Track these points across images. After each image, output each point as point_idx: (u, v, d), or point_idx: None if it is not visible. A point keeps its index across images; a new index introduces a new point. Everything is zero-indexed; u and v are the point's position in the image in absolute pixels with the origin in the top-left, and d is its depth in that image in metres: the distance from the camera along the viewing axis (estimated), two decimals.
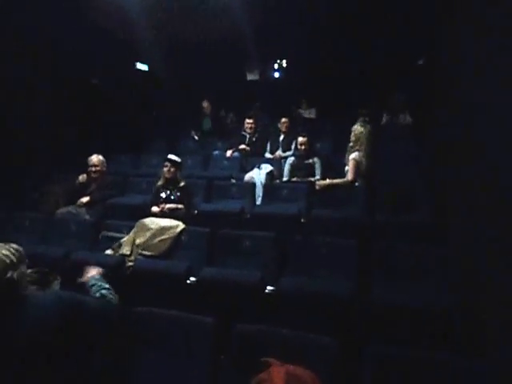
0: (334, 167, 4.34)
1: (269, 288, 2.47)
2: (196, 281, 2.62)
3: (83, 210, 4.08)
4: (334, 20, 6.80)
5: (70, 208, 4.08)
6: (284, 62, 8.78)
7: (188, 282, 2.66)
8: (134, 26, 7.16)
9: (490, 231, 2.03)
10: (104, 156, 4.68)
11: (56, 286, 2.53)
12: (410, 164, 4.38)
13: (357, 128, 3.90)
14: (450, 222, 2.89)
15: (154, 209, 3.68)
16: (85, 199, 4.13)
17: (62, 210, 3.99)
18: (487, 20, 2.38)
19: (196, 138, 6.56)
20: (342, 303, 2.21)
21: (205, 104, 6.84)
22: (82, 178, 4.34)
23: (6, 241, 1.54)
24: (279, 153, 5.47)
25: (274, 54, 8.68)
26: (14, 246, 1.57)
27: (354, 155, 3.80)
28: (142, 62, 8.39)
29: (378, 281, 2.41)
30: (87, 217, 4.02)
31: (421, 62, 5.90)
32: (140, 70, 8.32)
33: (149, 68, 8.47)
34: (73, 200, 4.20)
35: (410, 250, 2.50)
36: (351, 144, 3.88)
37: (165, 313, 1.95)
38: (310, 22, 6.80)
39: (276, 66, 8.94)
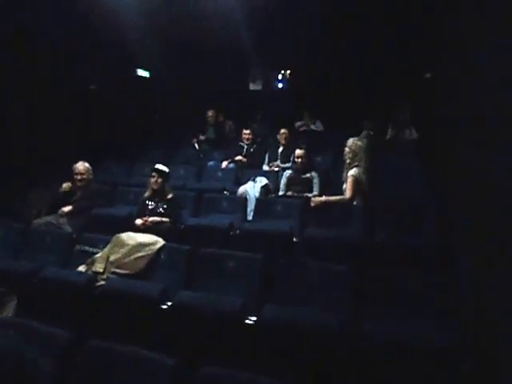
0: (334, 183, 4.08)
1: (250, 318, 2.19)
2: (170, 306, 2.36)
3: (64, 219, 3.86)
4: (340, 31, 6.63)
5: (51, 218, 3.86)
6: (288, 72, 8.59)
7: (162, 306, 2.39)
8: (136, 32, 7.05)
9: (502, 258, 1.75)
10: (95, 163, 4.48)
11: (11, 307, 2.31)
12: (415, 182, 4.11)
13: (353, 143, 3.64)
14: (457, 247, 2.61)
15: (138, 221, 3.45)
16: (67, 208, 3.91)
17: (40, 220, 3.77)
18: (500, 32, 2.14)
19: (196, 146, 6.36)
20: (329, 340, 1.94)
21: (210, 113, 6.73)
22: (67, 185, 4.12)
23: None
24: (277, 163, 5.23)
25: (278, 64, 8.51)
26: None
27: (352, 171, 3.53)
28: (144, 69, 8.26)
29: (371, 314, 2.13)
30: (68, 227, 3.78)
31: (428, 76, 5.67)
32: (141, 76, 8.18)
33: (150, 75, 8.34)
34: (55, 209, 3.98)
35: (409, 280, 2.21)
36: (348, 161, 3.61)
37: (123, 350, 1.68)
38: (315, 33, 6.63)
39: (280, 77, 8.75)
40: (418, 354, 1.82)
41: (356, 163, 3.55)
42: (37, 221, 3.77)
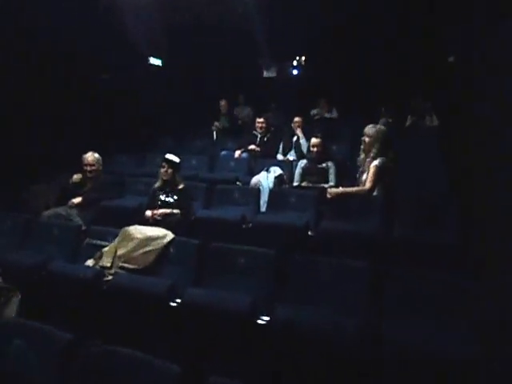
0: (351, 173, 3.89)
1: (262, 318, 2.07)
2: (179, 303, 2.25)
3: (74, 211, 3.79)
4: (357, 14, 6.34)
5: (60, 209, 3.80)
6: (303, 58, 8.32)
7: (171, 304, 2.29)
8: (149, 20, 6.90)
9: None
10: (106, 154, 4.39)
11: (15, 303, 2.24)
12: (435, 172, 3.88)
13: (377, 129, 3.36)
14: (480, 246, 2.42)
15: (148, 213, 3.35)
16: (76, 200, 3.84)
17: (50, 212, 3.70)
18: None
19: (214, 134, 6.23)
20: (345, 344, 1.80)
21: (222, 102, 6.68)
22: (77, 177, 4.05)
23: None
24: (289, 157, 5.02)
25: (293, 51, 8.24)
26: None
27: (377, 162, 3.27)
28: (156, 57, 8.11)
29: (390, 316, 1.97)
30: (78, 219, 3.72)
31: (451, 59, 5.35)
32: (153, 64, 8.04)
33: (163, 63, 8.19)
34: (65, 200, 3.92)
35: (432, 281, 2.03)
36: (374, 150, 3.31)
37: (127, 354, 1.58)
38: (331, 17, 6.37)
39: (295, 63, 8.49)
40: (441, 364, 1.66)
41: (380, 152, 3.29)
42: (46, 212, 3.71)
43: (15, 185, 4.38)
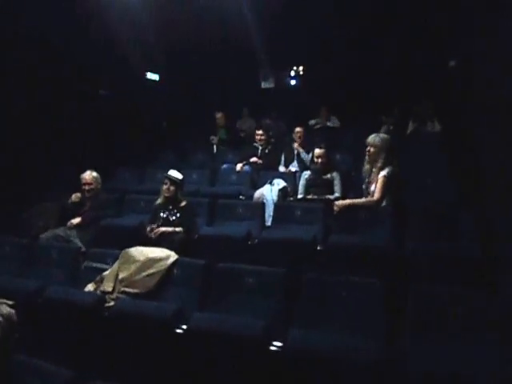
0: (356, 184, 3.79)
1: (274, 344, 1.94)
2: (185, 330, 2.13)
3: (74, 232, 3.68)
4: (355, 21, 6.31)
5: (59, 230, 3.69)
6: (301, 68, 8.27)
7: (176, 330, 2.16)
8: (145, 34, 6.88)
9: None
10: (105, 171, 4.29)
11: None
12: (442, 180, 3.78)
13: (382, 138, 3.27)
14: (500, 260, 2.31)
15: (148, 229, 3.25)
16: (75, 220, 3.73)
17: (48, 234, 3.59)
18: None
19: (215, 148, 6.16)
20: (368, 372, 1.67)
21: (218, 115, 6.61)
22: (75, 196, 3.94)
23: None
24: (291, 168, 4.92)
25: (290, 61, 8.20)
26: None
27: (385, 172, 3.18)
28: (153, 72, 8.08)
29: (413, 339, 1.84)
30: (77, 240, 3.60)
31: (453, 64, 5.30)
32: (150, 79, 8.00)
33: (160, 78, 8.15)
34: (65, 221, 3.81)
35: (455, 299, 1.90)
36: (382, 160, 3.21)
37: None
38: (328, 24, 6.33)
39: (292, 73, 8.44)
40: None
41: (387, 162, 3.20)
42: (45, 234, 3.59)
43: (14, 206, 4.28)
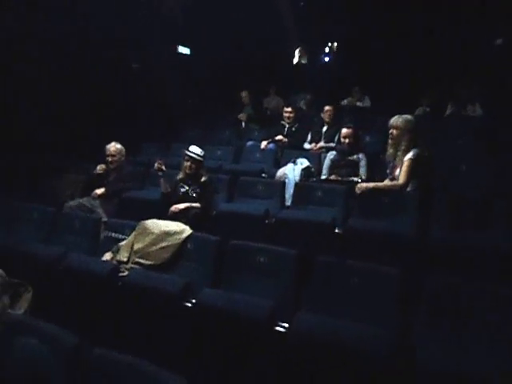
0: (383, 167, 3.62)
1: (281, 325, 1.90)
2: (193, 304, 2.13)
3: (97, 202, 3.77)
4: None
5: (84, 200, 3.78)
6: (335, 45, 7.96)
7: (185, 304, 2.17)
8: (177, 7, 6.79)
9: None
10: (131, 144, 4.32)
11: (27, 299, 2.19)
12: (479, 167, 3.54)
13: (406, 120, 3.09)
14: None
15: (172, 208, 3.24)
16: (99, 191, 3.81)
17: (73, 203, 3.70)
18: None
19: (243, 124, 6.09)
20: (375, 362, 1.60)
21: (243, 94, 6.58)
22: (100, 167, 4.02)
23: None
24: (321, 144, 4.81)
25: (325, 36, 7.88)
26: None
27: (411, 155, 3.01)
28: (184, 46, 8.00)
29: (424, 333, 1.75)
30: (100, 210, 3.69)
31: (500, 42, 4.89)
32: (181, 53, 7.94)
33: (191, 52, 8.07)
34: (89, 191, 3.90)
35: (479, 292, 1.77)
36: (405, 142, 3.03)
37: (131, 363, 1.46)
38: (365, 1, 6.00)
39: (327, 50, 8.14)
40: None
41: (412, 144, 3.04)
42: (70, 203, 3.70)
43: (44, 176, 4.42)
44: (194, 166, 3.41)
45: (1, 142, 4.18)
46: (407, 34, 6.28)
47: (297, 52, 8.22)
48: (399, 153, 3.04)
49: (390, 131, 3.14)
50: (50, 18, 4.75)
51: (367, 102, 6.51)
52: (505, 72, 4.58)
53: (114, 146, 3.91)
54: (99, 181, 3.95)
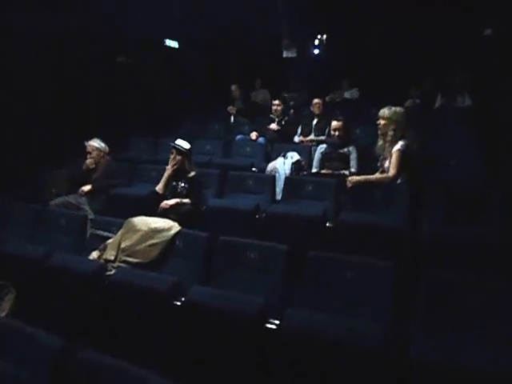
0: (375, 159, 3.59)
1: (271, 322, 1.87)
2: (183, 302, 2.08)
3: (84, 199, 3.68)
4: None
5: (70, 197, 3.70)
6: (324, 37, 7.88)
7: (175, 302, 2.12)
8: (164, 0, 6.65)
9: None
10: (120, 140, 4.23)
11: (9, 301, 2.12)
12: (471, 159, 3.52)
13: (394, 111, 3.08)
14: None
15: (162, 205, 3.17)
16: (86, 188, 3.73)
17: (59, 200, 3.61)
18: None
19: (232, 118, 6.03)
20: (367, 358, 1.57)
21: (233, 87, 6.49)
22: (90, 162, 3.93)
23: None
24: (311, 137, 4.77)
25: (314, 29, 7.80)
26: None
27: (399, 146, 3.00)
28: (172, 39, 7.86)
29: (419, 326, 1.72)
30: (87, 208, 3.60)
31: (488, 32, 4.88)
32: (169, 46, 7.81)
33: (179, 45, 7.94)
34: (77, 187, 3.81)
35: (475, 285, 1.74)
36: (391, 133, 3.05)
37: (118, 366, 1.41)
38: None
39: (316, 42, 8.06)
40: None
41: (400, 135, 3.02)
42: (55, 200, 3.61)
43: (28, 173, 4.31)
44: (179, 157, 3.32)
45: None
46: (397, 26, 6.24)
47: (285, 44, 8.13)
48: (387, 144, 3.03)
49: (378, 121, 3.14)
50: (38, 14, 4.62)
51: (355, 94, 6.47)
52: (494, 62, 4.56)
53: (89, 144, 3.85)
54: (86, 178, 3.87)
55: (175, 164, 3.31)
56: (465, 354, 1.45)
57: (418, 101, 5.89)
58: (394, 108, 3.12)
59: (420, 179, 3.08)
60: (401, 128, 3.05)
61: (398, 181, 3.00)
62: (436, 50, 5.89)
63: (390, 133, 3.03)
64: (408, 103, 5.81)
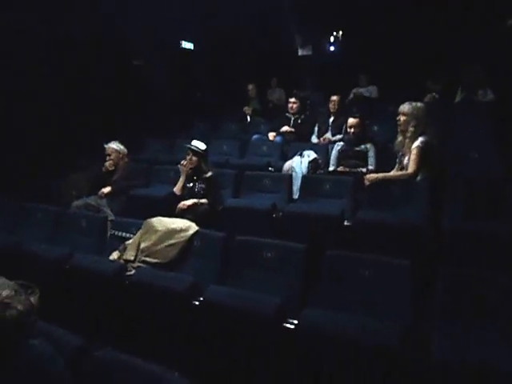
0: (393, 156, 3.53)
1: (288, 321, 1.86)
2: (201, 302, 2.09)
3: (104, 201, 3.75)
4: None
5: (91, 199, 3.77)
6: (340, 33, 7.81)
7: (193, 302, 2.14)
8: (180, 1, 6.72)
9: None
10: (137, 141, 4.29)
11: (34, 301, 2.17)
12: (492, 154, 3.43)
13: (414, 107, 3.01)
14: None
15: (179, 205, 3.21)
16: (106, 189, 3.80)
17: (79, 202, 3.68)
18: None
19: (248, 118, 6.03)
20: (387, 358, 1.55)
21: (250, 87, 6.47)
22: (109, 164, 3.99)
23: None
24: (328, 136, 4.73)
25: (329, 25, 7.73)
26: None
27: (418, 142, 2.93)
28: (188, 41, 7.93)
29: (439, 325, 1.69)
30: (108, 209, 3.67)
31: (511, 23, 4.73)
32: (185, 48, 7.88)
33: (194, 47, 8.00)
34: (97, 189, 3.88)
35: (493, 281, 1.70)
36: (412, 129, 2.98)
37: (129, 362, 1.44)
38: None
39: (332, 39, 7.99)
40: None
41: (420, 131, 2.96)
42: (76, 203, 3.69)
43: (49, 176, 4.42)
44: (195, 158, 3.35)
45: (5, 141, 4.18)
46: (415, 20, 6.12)
47: (300, 42, 8.09)
48: (407, 140, 2.97)
49: (398, 117, 3.08)
50: (47, 17, 4.73)
51: (374, 93, 6.34)
52: None
53: (109, 146, 3.92)
54: (106, 179, 3.93)
55: (191, 165, 3.34)
56: (487, 352, 1.42)
57: (437, 96, 5.76)
58: (414, 103, 3.05)
59: (440, 176, 3.00)
60: (421, 124, 2.98)
61: (418, 178, 2.94)
62: (455, 41, 5.74)
63: (411, 129, 2.96)
64: (427, 98, 5.68)
